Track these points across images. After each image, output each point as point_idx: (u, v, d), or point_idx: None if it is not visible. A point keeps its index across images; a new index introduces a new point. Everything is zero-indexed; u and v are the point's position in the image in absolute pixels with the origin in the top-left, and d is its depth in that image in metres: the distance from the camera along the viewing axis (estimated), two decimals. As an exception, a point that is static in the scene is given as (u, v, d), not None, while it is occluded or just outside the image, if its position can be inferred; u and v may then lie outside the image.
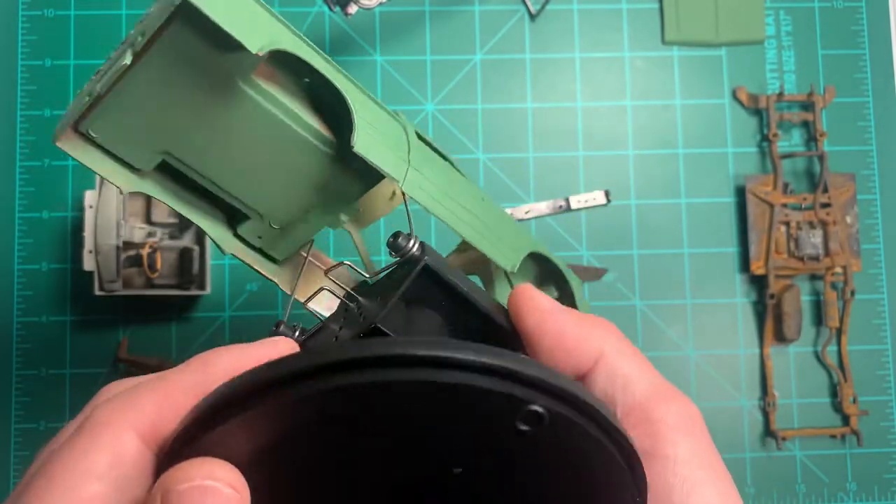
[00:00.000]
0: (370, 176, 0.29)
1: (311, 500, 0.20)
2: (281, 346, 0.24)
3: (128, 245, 0.52)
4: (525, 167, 0.59)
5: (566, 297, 0.40)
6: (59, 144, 0.26)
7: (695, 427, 0.27)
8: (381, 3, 0.49)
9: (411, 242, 0.27)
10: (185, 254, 0.54)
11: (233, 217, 0.31)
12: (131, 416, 0.20)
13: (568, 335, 0.28)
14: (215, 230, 0.30)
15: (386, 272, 0.29)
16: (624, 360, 0.28)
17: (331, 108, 0.28)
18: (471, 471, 0.20)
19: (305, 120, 0.28)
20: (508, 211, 0.58)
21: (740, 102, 0.60)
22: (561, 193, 0.58)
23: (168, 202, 0.29)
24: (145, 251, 0.52)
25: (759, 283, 0.58)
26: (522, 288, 0.28)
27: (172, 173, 0.29)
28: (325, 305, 0.33)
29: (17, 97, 0.57)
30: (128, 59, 0.24)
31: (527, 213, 0.58)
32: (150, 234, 0.53)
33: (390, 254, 0.27)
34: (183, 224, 0.54)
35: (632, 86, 0.60)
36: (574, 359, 0.27)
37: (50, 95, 0.57)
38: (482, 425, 0.19)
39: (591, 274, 0.58)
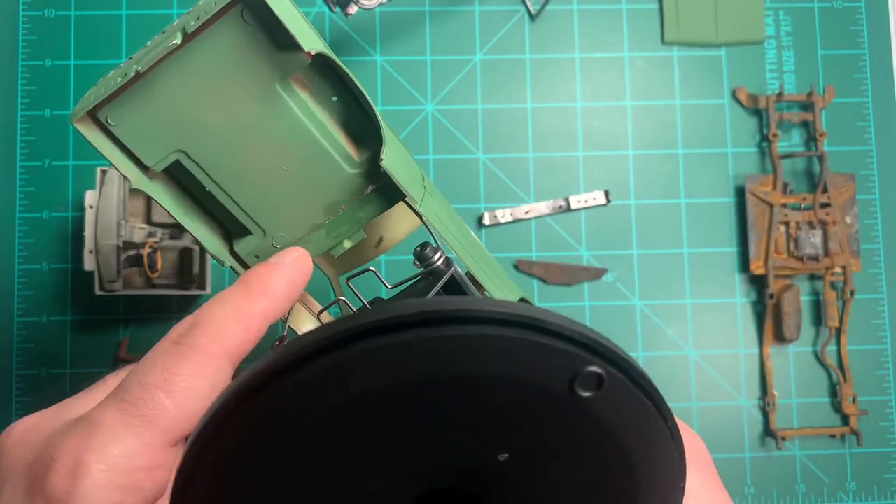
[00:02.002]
0: (385, 200, 0.29)
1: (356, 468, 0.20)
2: (300, 261, 0.28)
3: (128, 245, 0.52)
4: (525, 167, 0.59)
5: None
6: (75, 124, 0.25)
7: (703, 462, 0.28)
8: (381, 4, 0.49)
9: (437, 255, 0.27)
10: (185, 254, 0.54)
11: (230, 233, 0.30)
12: (225, 345, 0.25)
13: None
14: (212, 243, 0.29)
15: (409, 283, 0.29)
16: (706, 494, 0.28)
17: (354, 126, 0.28)
18: (518, 454, 0.20)
19: (333, 134, 0.28)
20: (508, 211, 0.58)
21: (740, 102, 0.60)
22: (561, 193, 0.58)
23: (169, 208, 0.28)
24: (145, 251, 0.52)
25: (758, 282, 0.58)
26: None
27: (179, 180, 0.28)
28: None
29: (17, 97, 0.57)
30: (177, 39, 0.24)
31: (527, 213, 0.58)
32: (150, 234, 0.53)
33: (414, 264, 0.27)
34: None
35: (632, 86, 0.60)
36: None
37: (50, 95, 0.57)
38: (536, 393, 0.19)
39: (591, 274, 0.58)
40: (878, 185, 0.60)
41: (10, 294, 0.56)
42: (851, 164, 0.60)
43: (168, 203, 0.28)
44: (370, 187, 0.29)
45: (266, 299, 0.26)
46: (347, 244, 0.30)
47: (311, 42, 0.25)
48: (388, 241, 0.34)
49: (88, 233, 0.51)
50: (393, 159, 0.27)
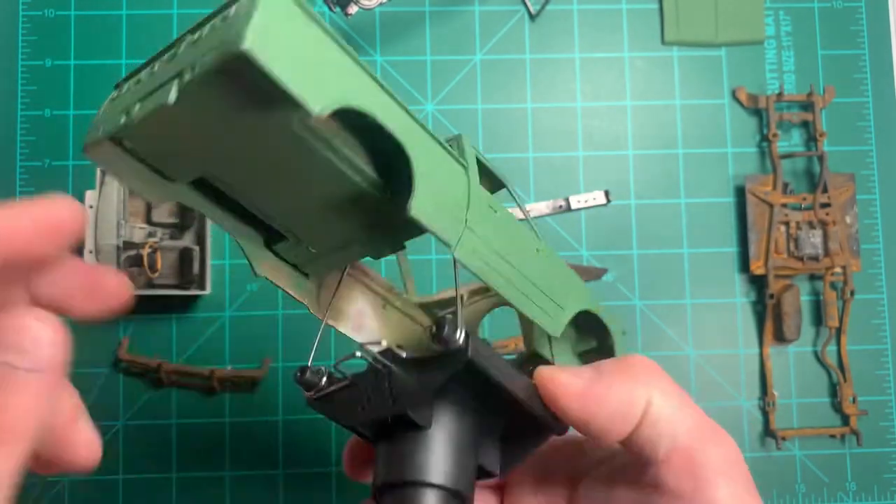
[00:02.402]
0: (421, 228, 0.26)
1: None
2: (58, 206, 0.22)
3: (128, 245, 0.52)
4: (525, 167, 0.59)
5: (605, 351, 0.37)
6: (89, 155, 0.23)
7: (736, 471, 0.28)
8: (381, 3, 0.49)
9: (458, 334, 0.25)
10: (185, 254, 0.54)
11: (269, 234, 0.29)
12: None
13: (612, 402, 0.27)
14: (250, 247, 0.28)
15: (423, 355, 0.28)
16: (667, 402, 0.28)
17: (388, 155, 0.25)
18: None
19: (361, 167, 0.25)
20: (508, 211, 0.57)
21: (740, 102, 0.60)
22: (561, 193, 0.58)
23: (206, 213, 0.27)
24: (145, 251, 0.52)
25: (758, 282, 0.58)
26: (544, 378, 0.28)
27: (208, 189, 0.26)
28: (351, 326, 0.31)
29: (17, 97, 0.57)
30: (172, 98, 0.21)
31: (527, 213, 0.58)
32: (150, 234, 0.53)
33: (433, 340, 0.26)
34: (183, 224, 0.54)
35: (632, 86, 0.60)
36: (624, 424, 0.27)
37: (50, 95, 0.57)
38: None
39: (592, 274, 0.58)
40: (878, 185, 0.60)
41: (10, 294, 0.56)
42: (851, 164, 0.60)
43: (202, 208, 0.26)
44: (402, 217, 0.26)
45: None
46: (387, 252, 0.28)
47: (325, 98, 0.21)
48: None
49: (88, 233, 0.51)
50: (425, 202, 0.24)
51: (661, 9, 0.60)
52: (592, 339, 0.38)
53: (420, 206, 0.24)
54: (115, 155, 0.23)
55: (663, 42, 0.60)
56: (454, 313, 0.27)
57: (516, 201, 0.32)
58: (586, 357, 0.37)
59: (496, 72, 0.59)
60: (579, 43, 0.60)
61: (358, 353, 0.28)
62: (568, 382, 0.27)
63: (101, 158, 0.23)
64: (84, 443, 0.24)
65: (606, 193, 0.58)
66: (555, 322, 0.31)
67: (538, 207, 0.58)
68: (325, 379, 0.29)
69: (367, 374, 0.29)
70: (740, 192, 0.59)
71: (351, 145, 0.25)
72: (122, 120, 0.22)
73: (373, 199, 0.26)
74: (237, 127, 0.22)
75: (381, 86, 0.23)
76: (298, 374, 0.29)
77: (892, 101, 0.60)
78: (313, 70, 0.21)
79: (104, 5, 0.58)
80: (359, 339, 0.31)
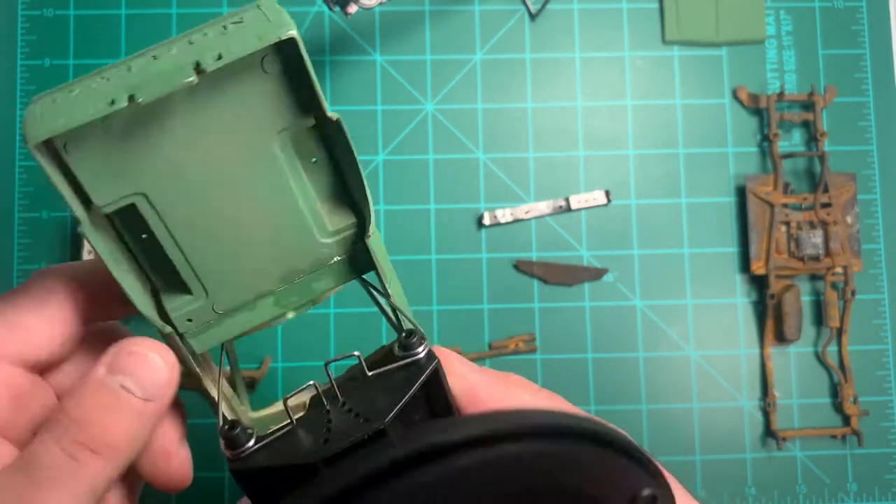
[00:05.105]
0: (346, 273, 0.27)
1: None
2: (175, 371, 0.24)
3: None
4: (525, 167, 0.59)
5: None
6: (31, 147, 0.21)
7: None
8: (381, 3, 0.49)
9: (422, 347, 0.25)
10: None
11: (158, 290, 0.26)
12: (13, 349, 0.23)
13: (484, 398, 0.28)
14: (142, 301, 0.25)
15: (388, 370, 0.26)
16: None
17: (334, 194, 0.26)
18: None
19: (313, 198, 0.26)
20: (508, 211, 0.58)
21: (740, 102, 0.60)
22: (561, 193, 0.58)
23: (104, 255, 0.24)
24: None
25: (759, 283, 0.58)
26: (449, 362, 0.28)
27: (120, 224, 0.25)
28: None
29: (17, 97, 0.57)
30: (192, 77, 0.21)
31: (527, 213, 0.58)
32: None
33: (394, 351, 0.25)
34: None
35: (632, 86, 0.60)
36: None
37: (49, 95, 0.57)
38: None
39: (592, 274, 0.58)
40: (879, 185, 0.60)
41: (9, 294, 0.56)
42: (852, 163, 0.59)
43: (104, 249, 0.24)
44: (336, 259, 0.27)
45: (157, 405, 0.23)
46: (291, 315, 0.27)
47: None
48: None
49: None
50: (377, 238, 0.26)
51: (661, 8, 0.60)
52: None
53: (375, 239, 0.26)
54: (48, 159, 0.22)
55: (664, 41, 0.60)
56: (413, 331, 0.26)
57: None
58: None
59: (496, 72, 0.59)
60: (579, 42, 0.60)
61: (313, 382, 0.26)
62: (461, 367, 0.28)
63: (40, 157, 0.22)
64: (179, 465, 0.26)
65: (607, 193, 0.58)
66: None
67: (538, 207, 0.58)
68: (252, 440, 0.25)
69: (314, 410, 0.26)
70: (741, 192, 0.59)
71: (308, 172, 0.25)
72: (105, 106, 0.21)
73: (309, 242, 0.26)
74: (219, 130, 0.23)
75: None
76: (226, 428, 0.25)
77: (892, 101, 0.60)
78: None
79: (103, 5, 0.58)
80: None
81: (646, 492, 0.19)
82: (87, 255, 0.53)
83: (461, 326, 0.56)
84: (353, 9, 0.49)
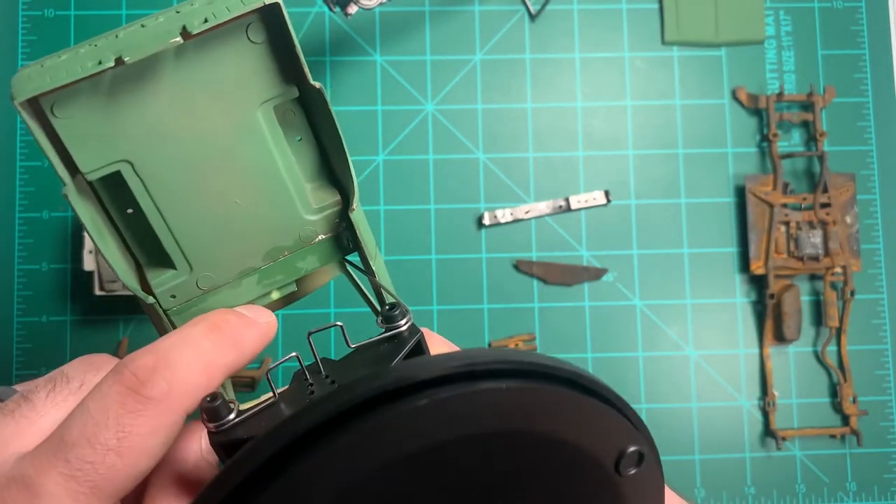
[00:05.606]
0: (330, 252, 0.27)
1: None
2: (271, 327, 0.25)
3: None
4: (525, 167, 0.59)
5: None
6: (18, 105, 0.21)
7: None
8: (381, 4, 0.49)
9: (405, 319, 0.25)
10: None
11: (141, 265, 0.26)
12: (186, 400, 0.22)
13: None
14: (126, 273, 0.25)
15: (371, 342, 0.26)
16: None
17: (318, 172, 0.27)
18: None
19: (298, 174, 0.26)
20: (508, 211, 0.58)
21: (740, 102, 0.60)
22: (561, 193, 0.58)
23: (88, 224, 0.24)
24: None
25: (758, 282, 0.58)
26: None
27: (102, 193, 0.25)
28: None
29: (17, 97, 0.57)
30: (178, 38, 0.21)
31: (527, 213, 0.58)
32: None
33: (378, 323, 0.25)
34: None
35: (632, 86, 0.60)
36: None
37: (50, 95, 0.57)
38: (582, 460, 0.19)
39: (592, 274, 0.58)
40: (879, 185, 0.60)
41: (9, 294, 0.56)
42: (851, 164, 0.60)
43: (87, 217, 0.24)
44: (320, 237, 0.27)
45: (235, 354, 0.23)
46: (276, 295, 0.27)
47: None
48: (299, 293, 0.30)
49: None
50: (357, 211, 0.26)
51: (661, 9, 0.60)
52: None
53: (359, 212, 0.26)
54: (34, 121, 0.22)
55: (663, 42, 0.60)
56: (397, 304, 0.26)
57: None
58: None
59: (496, 72, 0.59)
60: (579, 43, 0.60)
61: (295, 354, 0.26)
62: None
63: (26, 116, 0.22)
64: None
65: (606, 193, 0.58)
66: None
67: (538, 207, 0.58)
68: (234, 413, 0.24)
69: (297, 383, 0.26)
70: (740, 192, 0.59)
71: (294, 147, 0.26)
72: (91, 65, 0.21)
73: (293, 219, 0.26)
74: (203, 94, 0.23)
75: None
76: (208, 400, 0.24)
77: (892, 101, 0.60)
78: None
79: (103, 5, 0.58)
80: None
81: (632, 448, 0.19)
82: (87, 254, 0.53)
83: (461, 326, 0.57)
84: (353, 9, 0.49)
